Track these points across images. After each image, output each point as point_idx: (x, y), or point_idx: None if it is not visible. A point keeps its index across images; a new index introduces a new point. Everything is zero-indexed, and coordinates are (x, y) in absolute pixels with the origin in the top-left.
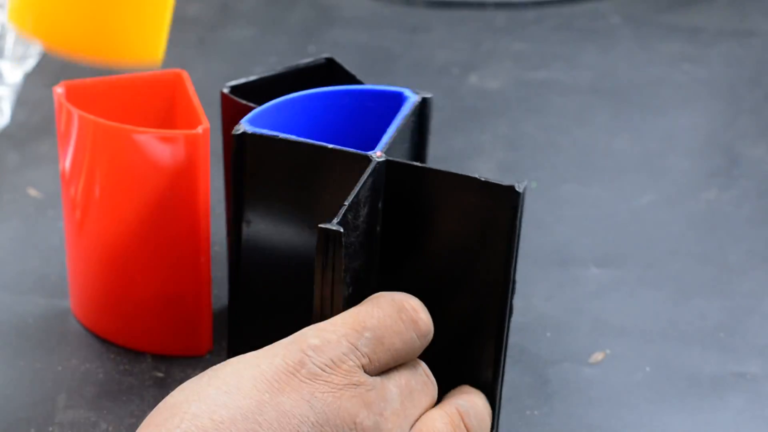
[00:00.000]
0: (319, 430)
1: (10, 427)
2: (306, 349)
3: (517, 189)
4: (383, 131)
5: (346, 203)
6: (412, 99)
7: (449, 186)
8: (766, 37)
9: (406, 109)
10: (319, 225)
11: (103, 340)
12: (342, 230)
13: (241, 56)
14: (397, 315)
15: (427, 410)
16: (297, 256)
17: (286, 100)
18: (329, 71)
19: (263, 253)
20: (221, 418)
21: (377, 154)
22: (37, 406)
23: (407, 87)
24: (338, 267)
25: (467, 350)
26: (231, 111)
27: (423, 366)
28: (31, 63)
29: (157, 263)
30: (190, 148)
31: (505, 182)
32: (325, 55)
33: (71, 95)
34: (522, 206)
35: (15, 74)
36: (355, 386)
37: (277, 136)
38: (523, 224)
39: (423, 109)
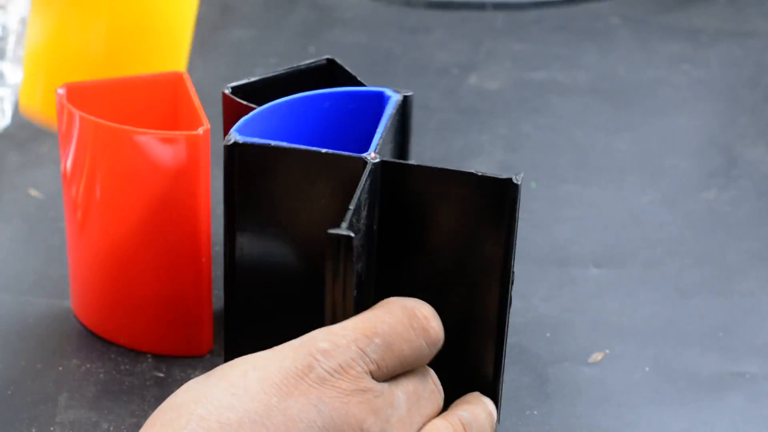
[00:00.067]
0: None
1: (11, 426)
2: (315, 353)
3: (515, 181)
4: (366, 132)
5: (351, 207)
6: (395, 98)
7: (446, 183)
8: (765, 37)
9: (390, 109)
10: (329, 231)
11: (104, 340)
12: (353, 235)
13: (241, 57)
14: (408, 322)
15: (431, 419)
16: (292, 260)
17: (270, 107)
18: (330, 72)
19: (258, 259)
20: (228, 421)
21: (371, 156)
22: (38, 406)
23: (407, 88)
24: (349, 272)
25: (468, 346)
26: (232, 112)
27: (431, 374)
28: None
29: (158, 263)
30: (191, 148)
31: (503, 175)
32: (326, 56)
33: (72, 96)
34: (519, 199)
35: (16, 75)
36: (362, 392)
37: (269, 144)
38: (523, 224)
39: (405, 107)
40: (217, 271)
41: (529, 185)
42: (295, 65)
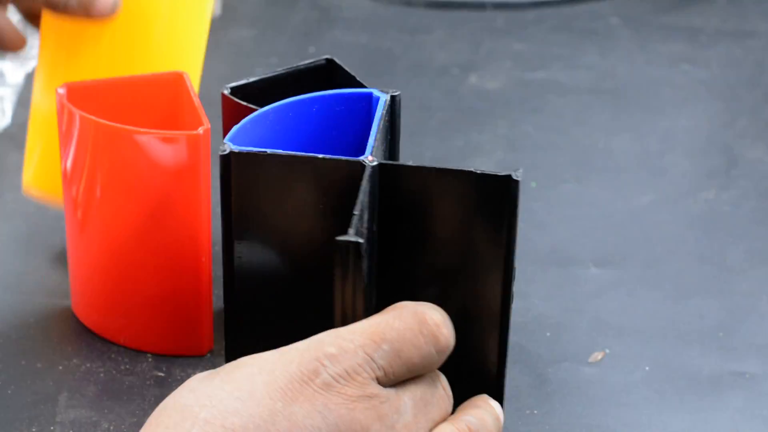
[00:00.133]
0: None
1: (11, 426)
2: (322, 357)
3: (514, 177)
4: (356, 133)
5: (356, 212)
6: (383, 98)
7: (445, 182)
8: (765, 37)
9: (380, 110)
10: (337, 238)
11: (105, 340)
12: (361, 241)
13: (241, 57)
14: (417, 328)
15: (438, 424)
16: (290, 263)
17: (259, 114)
18: (329, 72)
19: (256, 263)
20: (233, 426)
21: (369, 159)
22: (38, 405)
23: (407, 88)
24: (359, 277)
25: (471, 343)
26: (231, 112)
27: (441, 379)
28: (32, 64)
29: (159, 263)
30: (191, 148)
31: (502, 172)
32: (326, 56)
33: (73, 96)
34: (519, 195)
35: (16, 75)
36: (368, 398)
37: (265, 151)
38: (523, 224)
39: (393, 107)
40: (217, 271)
41: (529, 185)
42: (294, 65)
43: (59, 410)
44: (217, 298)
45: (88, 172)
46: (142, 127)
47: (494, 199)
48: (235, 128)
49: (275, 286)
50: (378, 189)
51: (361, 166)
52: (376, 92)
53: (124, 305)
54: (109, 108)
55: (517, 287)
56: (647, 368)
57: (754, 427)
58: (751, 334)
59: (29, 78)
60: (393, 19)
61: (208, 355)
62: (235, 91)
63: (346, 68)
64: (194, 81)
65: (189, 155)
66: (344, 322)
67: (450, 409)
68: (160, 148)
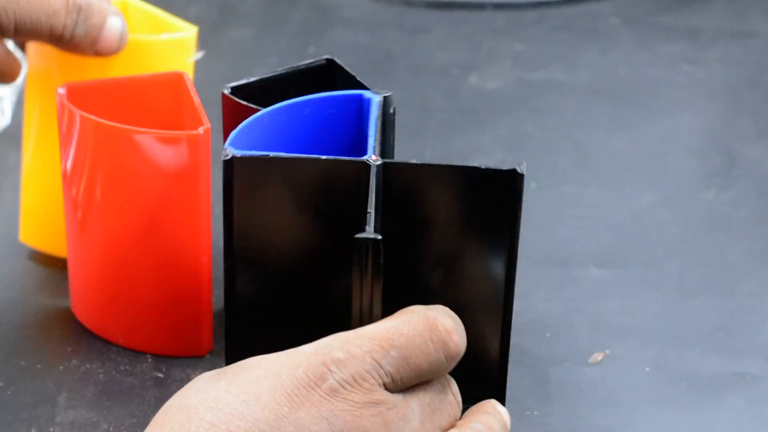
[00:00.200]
0: None
1: (10, 426)
2: (329, 363)
3: (519, 171)
4: (349, 135)
5: (371, 210)
6: (376, 99)
7: (450, 179)
8: (765, 37)
9: (375, 110)
10: (356, 236)
11: (104, 340)
12: (380, 238)
13: (241, 57)
14: (428, 334)
15: (446, 430)
16: (293, 265)
17: (254, 119)
18: (329, 72)
19: (259, 265)
20: (238, 430)
21: (373, 158)
22: (37, 406)
23: (407, 88)
24: (377, 275)
25: (475, 337)
26: (232, 112)
27: (452, 385)
28: None
29: (158, 263)
30: (191, 148)
31: (506, 167)
32: (326, 55)
33: (73, 96)
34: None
35: None
36: (375, 405)
37: (267, 155)
38: (523, 224)
39: (385, 107)
40: (218, 272)
41: (529, 185)
42: (294, 65)
43: (59, 411)
44: (216, 298)
45: (88, 172)
46: (142, 127)
47: (499, 194)
48: (232, 134)
49: (276, 287)
50: (382, 188)
51: (366, 165)
52: (367, 93)
53: (124, 306)
54: (109, 108)
55: (517, 288)
56: (648, 369)
57: (754, 428)
58: (752, 334)
59: None
60: (393, 19)
61: (208, 356)
62: (235, 90)
63: (346, 68)
64: None
65: (189, 155)
66: (362, 320)
67: (458, 414)
68: (161, 148)
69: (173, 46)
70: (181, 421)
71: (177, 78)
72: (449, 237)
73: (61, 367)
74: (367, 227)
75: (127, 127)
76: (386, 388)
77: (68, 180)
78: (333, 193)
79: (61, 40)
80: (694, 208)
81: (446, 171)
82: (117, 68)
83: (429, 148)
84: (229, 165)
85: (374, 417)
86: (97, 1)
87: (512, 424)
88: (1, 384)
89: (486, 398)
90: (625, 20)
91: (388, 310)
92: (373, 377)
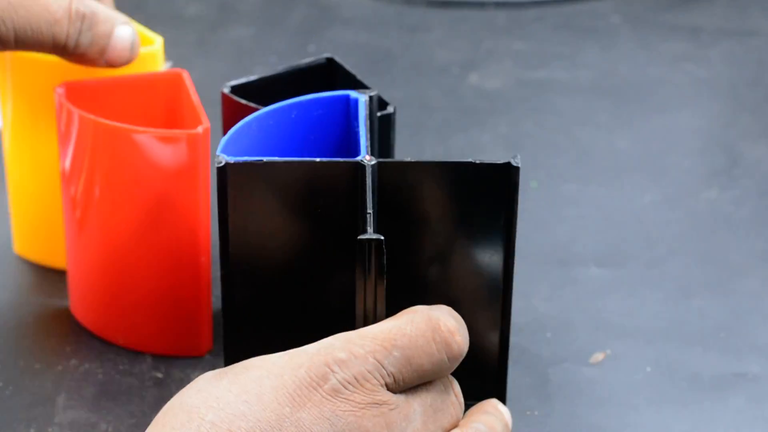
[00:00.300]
0: None
1: (9, 427)
2: (331, 363)
3: (514, 164)
4: (336, 136)
5: (370, 211)
6: (363, 99)
7: (445, 176)
8: (766, 36)
9: (363, 111)
10: (359, 237)
11: (103, 340)
12: (383, 238)
13: (241, 56)
14: (430, 335)
15: (447, 431)
16: (289, 268)
17: (243, 125)
18: (329, 71)
19: (254, 269)
20: (239, 430)
21: (367, 158)
22: (36, 406)
23: (407, 87)
24: (381, 275)
25: (474, 331)
26: (231, 111)
27: (454, 386)
28: None
29: (157, 263)
30: (190, 147)
31: (501, 160)
32: (326, 54)
33: (72, 95)
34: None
35: None
36: (377, 405)
37: (261, 160)
38: (524, 224)
39: (372, 106)
40: (217, 272)
41: (529, 185)
42: (294, 64)
43: (57, 411)
44: (216, 298)
45: (87, 172)
46: (142, 126)
47: (495, 188)
48: (223, 140)
49: (273, 290)
50: (377, 187)
51: (361, 166)
52: (353, 94)
53: (123, 305)
54: (108, 107)
55: (517, 288)
56: (648, 369)
57: (755, 428)
58: (753, 334)
59: None
60: (393, 18)
61: (207, 355)
62: (235, 89)
63: (346, 67)
64: None
65: (188, 154)
66: (366, 320)
67: (461, 414)
68: (160, 147)
69: (140, 61)
70: (183, 421)
71: (176, 77)
72: (447, 234)
73: (60, 367)
74: (368, 228)
75: (126, 126)
76: (388, 388)
77: (67, 179)
78: (328, 194)
79: (66, 50)
80: (696, 207)
81: (441, 168)
82: None
83: (429, 148)
84: (223, 172)
85: (376, 417)
86: (104, 9)
87: (513, 424)
88: (0, 384)
89: (487, 396)
90: (625, 18)
91: (388, 310)
92: (375, 377)
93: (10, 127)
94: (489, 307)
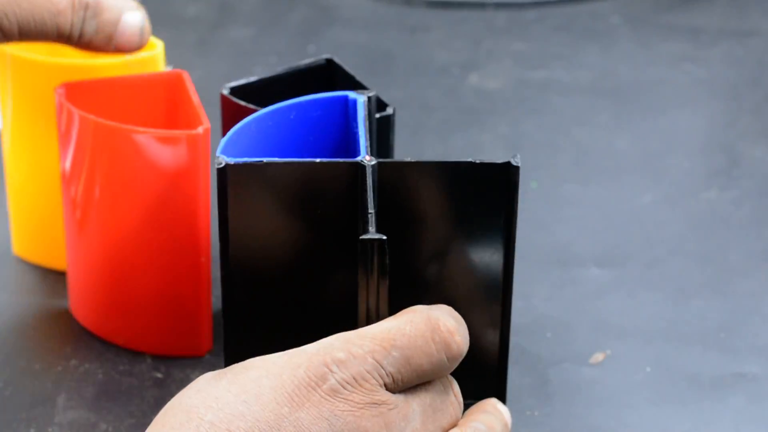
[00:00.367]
0: None
1: (9, 427)
2: (330, 363)
3: (514, 164)
4: (335, 137)
5: (372, 211)
6: (361, 100)
7: (445, 176)
8: (766, 37)
9: (362, 111)
10: (361, 237)
11: (103, 341)
12: (386, 238)
13: (241, 56)
14: (429, 335)
15: (447, 431)
16: (290, 268)
17: (242, 126)
18: (329, 72)
19: (254, 270)
20: (238, 430)
21: (367, 159)
22: (36, 407)
23: (407, 87)
24: (384, 275)
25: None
26: (231, 112)
27: (453, 385)
28: None
29: (157, 263)
30: (190, 148)
31: (501, 160)
32: (325, 55)
33: (72, 95)
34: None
35: None
36: (376, 405)
37: (261, 161)
38: (524, 224)
39: (370, 108)
40: (217, 272)
41: (529, 185)
42: (294, 65)
43: (57, 411)
44: (216, 298)
45: (87, 172)
46: (142, 127)
47: (495, 188)
48: (222, 141)
49: (273, 290)
50: (377, 187)
51: (361, 166)
52: (352, 95)
53: (123, 306)
54: (108, 107)
55: (517, 288)
56: (648, 369)
57: (755, 429)
58: (753, 334)
59: None
60: (393, 19)
61: (207, 355)
62: (234, 90)
63: (346, 68)
64: None
65: (188, 155)
66: (368, 320)
67: (460, 414)
68: (160, 147)
69: (140, 66)
70: (182, 421)
71: (176, 77)
72: (446, 234)
73: (60, 368)
74: (370, 228)
75: (126, 126)
76: (387, 388)
77: (67, 180)
78: (328, 195)
79: (71, 39)
80: (695, 207)
81: (441, 168)
82: None
83: (429, 148)
84: (223, 173)
85: (375, 417)
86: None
87: (512, 424)
88: (0, 384)
89: (486, 395)
90: (625, 19)
91: (389, 310)
92: (374, 377)
93: (10, 128)
94: (489, 307)
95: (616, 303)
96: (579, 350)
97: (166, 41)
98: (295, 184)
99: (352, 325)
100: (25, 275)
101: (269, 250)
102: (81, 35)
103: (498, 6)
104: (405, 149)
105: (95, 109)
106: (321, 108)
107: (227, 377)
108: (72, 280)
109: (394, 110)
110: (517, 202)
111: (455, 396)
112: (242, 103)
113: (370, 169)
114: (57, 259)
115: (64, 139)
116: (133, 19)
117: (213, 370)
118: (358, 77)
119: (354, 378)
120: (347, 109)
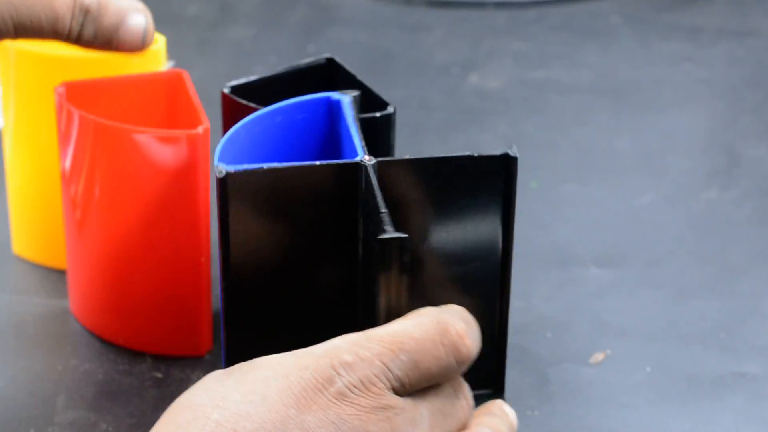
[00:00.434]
0: None
1: (9, 427)
2: (337, 366)
3: (511, 154)
4: (321, 139)
5: (384, 210)
6: (346, 100)
7: (444, 171)
8: (766, 37)
9: (349, 111)
10: (380, 237)
11: (103, 341)
12: (406, 236)
13: (241, 56)
14: (438, 339)
15: None
16: (292, 271)
17: (233, 134)
18: (329, 71)
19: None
20: (244, 430)
21: (366, 158)
22: (36, 407)
23: (407, 87)
24: (405, 273)
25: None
26: (231, 111)
27: (464, 389)
28: None
29: (157, 263)
30: (190, 147)
31: (499, 152)
32: (326, 55)
33: (72, 95)
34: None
35: None
36: (383, 409)
37: (262, 167)
38: (524, 224)
39: (355, 108)
40: (217, 272)
41: (529, 185)
42: (294, 64)
43: (57, 411)
44: (216, 298)
45: (87, 172)
46: (142, 126)
47: (493, 180)
48: (217, 151)
49: (275, 296)
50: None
51: (361, 166)
52: (335, 95)
53: (123, 306)
54: (108, 107)
55: (517, 288)
56: (648, 369)
57: (755, 429)
58: (753, 334)
59: None
60: (393, 18)
61: (207, 355)
62: (235, 89)
63: (346, 67)
64: None
65: (188, 154)
66: (388, 318)
67: (469, 418)
68: (160, 147)
69: (142, 60)
70: (188, 419)
71: (176, 77)
72: (446, 229)
73: (60, 368)
74: (386, 227)
75: (126, 126)
76: (395, 392)
77: (67, 179)
78: (327, 196)
79: (69, 41)
80: (695, 207)
81: (440, 163)
82: None
83: (429, 148)
84: (224, 182)
85: (382, 422)
86: (116, 1)
87: None
88: (0, 384)
89: (484, 388)
90: (625, 19)
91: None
92: (381, 381)
93: (10, 128)
94: (488, 300)
95: (616, 303)
96: (579, 350)
97: (167, 41)
98: (295, 187)
99: (353, 323)
100: (25, 275)
101: (269, 253)
102: (78, 38)
103: (498, 6)
104: (405, 149)
105: (95, 109)
106: (305, 111)
107: (234, 376)
108: (72, 280)
109: (394, 110)
110: (515, 194)
111: (465, 399)
112: (243, 102)
113: (372, 169)
114: (57, 259)
115: (64, 138)
116: (136, 22)
117: (213, 370)
118: (359, 77)
119: (361, 381)
120: (330, 110)
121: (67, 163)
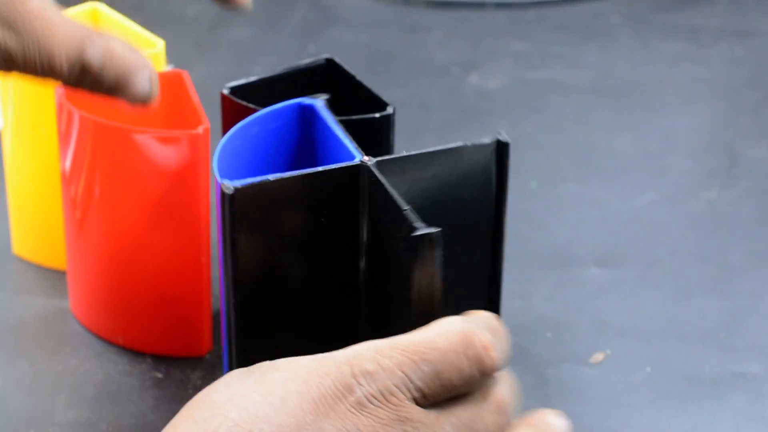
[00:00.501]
0: None
1: (9, 427)
2: (358, 375)
3: (502, 140)
4: (297, 145)
5: (406, 207)
6: (320, 104)
7: (440, 163)
8: (766, 36)
9: (327, 114)
10: (413, 234)
11: (103, 341)
12: (440, 229)
13: (241, 56)
14: (462, 350)
15: None
16: (299, 277)
17: (222, 150)
18: (329, 72)
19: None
20: None
21: (365, 159)
22: (36, 407)
23: (407, 87)
24: (438, 268)
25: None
26: (231, 112)
27: (496, 398)
28: None
29: (157, 263)
30: (190, 148)
31: (489, 139)
32: (325, 55)
33: (72, 95)
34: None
35: None
36: (401, 422)
37: (267, 179)
38: (524, 224)
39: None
40: (217, 272)
41: (529, 185)
42: (294, 65)
43: (57, 411)
44: (216, 298)
45: (87, 172)
46: (142, 127)
47: (487, 167)
48: (215, 166)
49: (284, 306)
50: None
51: (362, 167)
52: (306, 100)
53: (123, 306)
54: (108, 107)
55: (517, 288)
56: (648, 369)
57: (755, 428)
58: (753, 334)
59: None
60: (393, 18)
61: (207, 356)
62: (234, 90)
63: (346, 68)
64: None
65: (189, 155)
66: (424, 315)
67: (504, 420)
68: (160, 147)
69: None
70: (205, 416)
71: (176, 77)
72: (443, 219)
73: (60, 368)
74: (416, 224)
75: (126, 126)
76: (416, 402)
77: (67, 180)
78: (330, 201)
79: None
80: (695, 207)
81: (435, 155)
82: None
83: (428, 148)
84: (232, 198)
85: None
86: (119, 62)
87: None
88: (0, 384)
89: None
90: (625, 19)
91: (386, 305)
92: (401, 392)
93: (10, 128)
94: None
95: (616, 303)
96: (579, 350)
97: (167, 42)
98: (300, 195)
99: (354, 323)
100: (25, 275)
101: (280, 269)
102: (75, 88)
103: (498, 6)
104: (405, 149)
105: (95, 109)
106: (278, 118)
107: (255, 376)
108: (72, 280)
109: (394, 110)
110: (508, 177)
111: (497, 405)
112: (243, 103)
113: (377, 169)
114: (57, 259)
115: (64, 139)
116: (141, 85)
117: (213, 370)
118: (358, 77)
119: (380, 392)
120: (303, 115)
121: (67, 163)
